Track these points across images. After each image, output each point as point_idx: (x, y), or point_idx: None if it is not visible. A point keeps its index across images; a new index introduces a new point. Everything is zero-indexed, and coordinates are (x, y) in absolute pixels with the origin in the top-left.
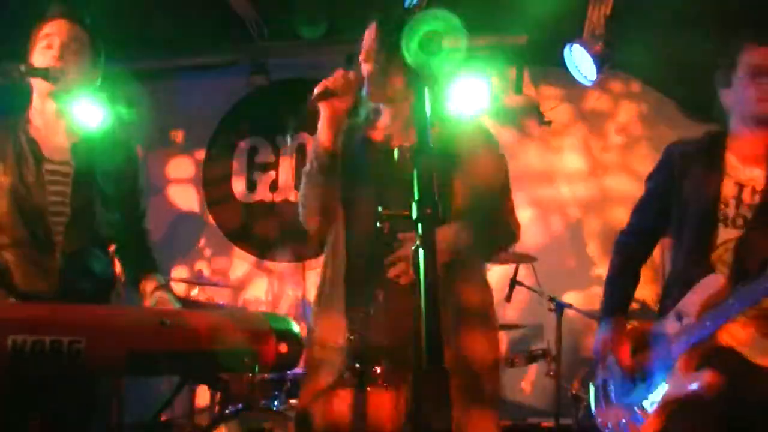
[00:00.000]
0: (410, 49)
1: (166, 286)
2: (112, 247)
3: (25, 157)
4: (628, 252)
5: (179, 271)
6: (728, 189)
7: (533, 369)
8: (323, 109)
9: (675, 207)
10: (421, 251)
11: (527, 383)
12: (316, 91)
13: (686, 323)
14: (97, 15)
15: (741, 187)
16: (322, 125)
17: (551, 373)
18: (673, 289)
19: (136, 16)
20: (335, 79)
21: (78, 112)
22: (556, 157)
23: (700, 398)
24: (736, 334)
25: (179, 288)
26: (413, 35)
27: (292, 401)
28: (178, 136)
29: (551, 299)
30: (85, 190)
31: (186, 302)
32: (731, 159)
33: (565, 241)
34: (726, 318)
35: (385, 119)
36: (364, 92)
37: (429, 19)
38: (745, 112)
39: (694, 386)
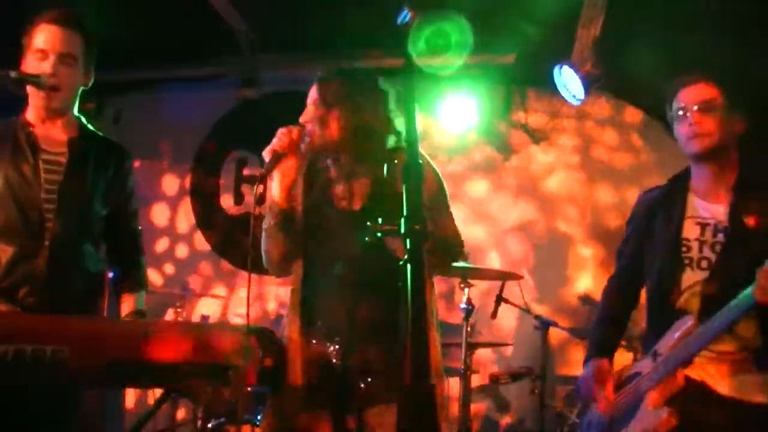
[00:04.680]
0: (416, 46)
1: (141, 313)
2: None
3: (23, 150)
4: (612, 300)
5: (165, 283)
6: (689, 230)
7: (517, 387)
8: (275, 170)
9: (646, 253)
10: (408, 266)
11: (511, 401)
12: (267, 159)
13: (658, 362)
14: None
15: (703, 226)
16: (275, 184)
17: (536, 391)
18: (649, 334)
19: (126, 27)
20: (280, 140)
21: (74, 111)
22: (545, 175)
23: None
24: (709, 370)
25: (153, 301)
26: (422, 32)
27: None
28: (166, 147)
29: (536, 317)
30: (76, 181)
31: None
32: (692, 198)
33: (552, 260)
34: (686, 355)
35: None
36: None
37: (439, 19)
38: (685, 152)
39: (652, 422)
